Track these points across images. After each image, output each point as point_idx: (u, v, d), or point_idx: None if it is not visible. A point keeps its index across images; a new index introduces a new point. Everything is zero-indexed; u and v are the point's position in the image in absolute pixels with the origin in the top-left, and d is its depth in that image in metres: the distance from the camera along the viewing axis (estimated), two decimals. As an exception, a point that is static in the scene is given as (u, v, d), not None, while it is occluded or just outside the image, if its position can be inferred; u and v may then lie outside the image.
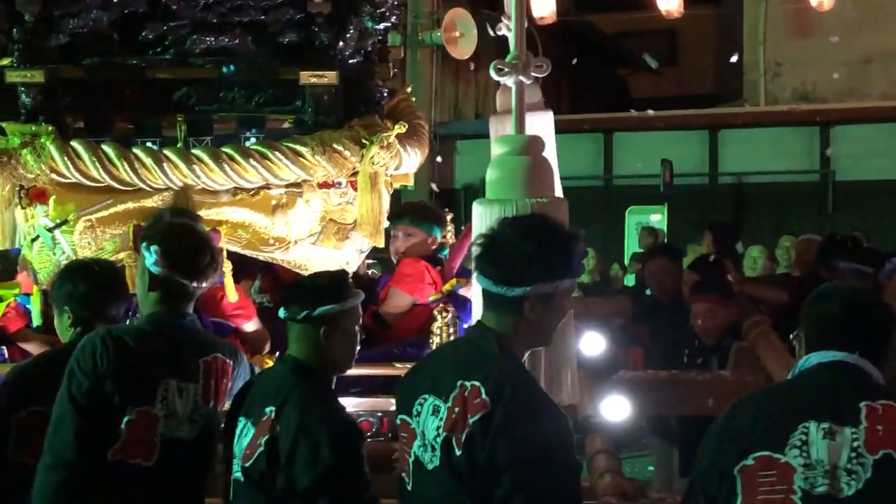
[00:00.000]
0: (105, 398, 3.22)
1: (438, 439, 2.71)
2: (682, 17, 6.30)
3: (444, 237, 5.27)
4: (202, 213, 4.43)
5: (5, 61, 4.58)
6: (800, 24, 16.70)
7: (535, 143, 3.76)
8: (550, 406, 2.76)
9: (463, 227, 5.15)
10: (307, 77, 4.54)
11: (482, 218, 3.64)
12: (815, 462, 2.62)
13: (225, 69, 4.58)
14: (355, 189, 4.57)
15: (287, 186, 4.55)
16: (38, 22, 4.50)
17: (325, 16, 4.55)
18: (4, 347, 4.69)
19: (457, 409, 2.68)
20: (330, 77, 4.53)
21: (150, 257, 3.36)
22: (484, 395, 2.66)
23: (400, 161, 4.69)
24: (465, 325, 4.69)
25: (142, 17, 4.57)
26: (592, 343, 5.61)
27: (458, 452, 2.66)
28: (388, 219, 4.89)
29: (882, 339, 2.81)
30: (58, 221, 4.50)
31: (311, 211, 4.58)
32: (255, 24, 4.59)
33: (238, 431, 3.25)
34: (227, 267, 4.36)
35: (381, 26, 4.78)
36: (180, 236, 3.47)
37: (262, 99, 4.64)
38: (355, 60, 4.70)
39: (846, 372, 2.74)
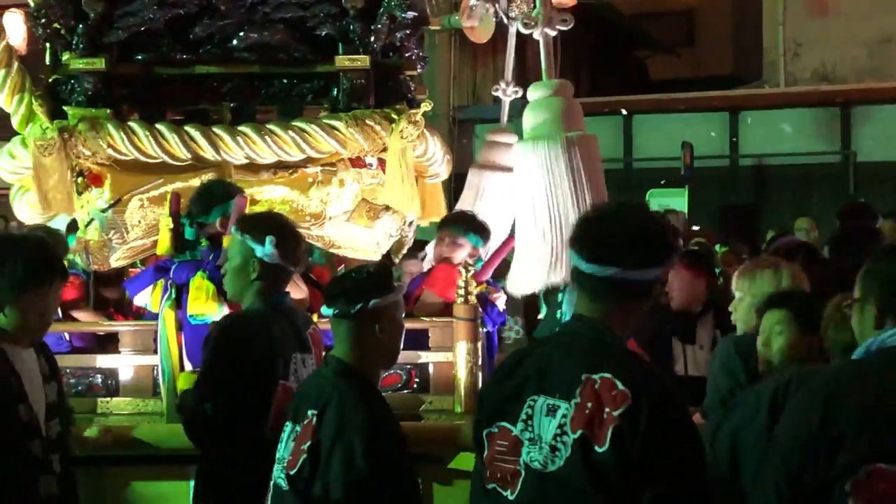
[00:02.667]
0: (265, 375, 3.52)
1: (566, 438, 2.50)
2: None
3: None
4: (246, 190, 4.73)
5: (66, 55, 4.98)
6: (819, 4, 16.67)
7: (566, 87, 4.18)
8: (675, 387, 2.64)
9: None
10: (342, 61, 4.92)
11: (524, 155, 3.99)
12: None
13: (267, 63, 4.95)
14: (385, 172, 4.95)
15: (323, 165, 4.92)
16: (100, 19, 4.90)
17: (359, 9, 4.92)
18: (66, 334, 4.98)
19: (590, 405, 2.49)
20: (363, 61, 4.91)
21: (266, 248, 3.60)
22: (621, 387, 2.48)
23: (426, 146, 5.04)
24: (487, 329, 5.05)
25: (192, 16, 4.97)
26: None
27: (600, 449, 2.46)
28: (439, 226, 5.29)
29: None
30: (111, 202, 4.88)
31: (345, 189, 4.94)
32: (295, 20, 4.97)
33: (284, 436, 3.16)
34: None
35: (410, 15, 5.08)
36: (290, 227, 3.77)
37: (301, 90, 5.02)
38: (387, 53, 5.06)
39: None
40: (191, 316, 4.20)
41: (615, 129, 16.40)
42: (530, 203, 4.29)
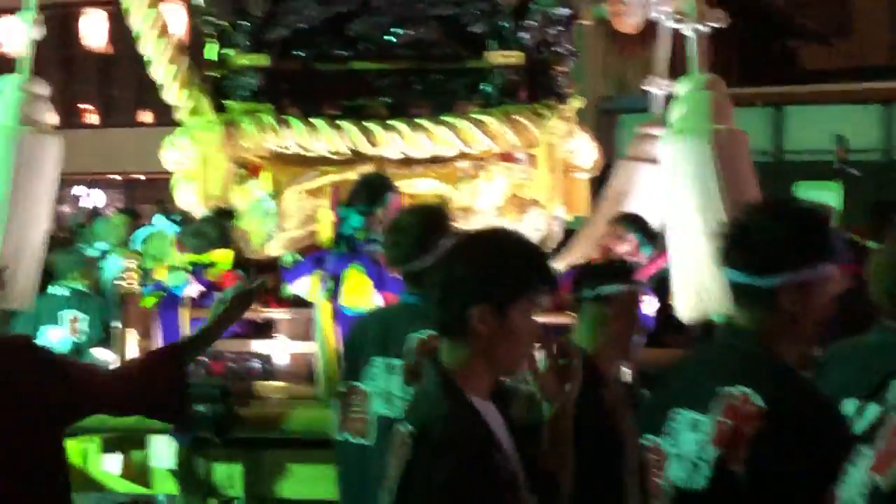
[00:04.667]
0: None
1: (706, 457, 2.36)
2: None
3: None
4: (396, 183, 4.80)
5: (230, 52, 5.18)
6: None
7: (717, 82, 4.14)
8: (831, 406, 2.40)
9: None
10: (495, 57, 4.99)
11: (670, 153, 3.96)
12: None
13: (421, 59, 5.06)
14: (535, 167, 4.99)
15: (473, 160, 5.00)
16: (264, 17, 5.10)
17: (511, 6, 4.99)
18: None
19: (728, 422, 2.33)
20: (516, 57, 4.98)
21: None
22: (760, 403, 2.31)
23: (575, 142, 5.05)
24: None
25: (350, 13, 5.12)
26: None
27: (737, 470, 2.30)
28: (616, 220, 5.29)
29: None
30: (270, 193, 5.07)
31: (494, 184, 5.02)
32: (449, 17, 5.07)
33: None
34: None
35: (562, 12, 5.12)
36: None
37: (454, 86, 5.13)
38: (539, 49, 5.11)
39: None
40: (345, 306, 4.32)
41: (765, 120, 16.06)
42: (681, 208, 4.21)
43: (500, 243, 2.34)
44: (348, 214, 4.49)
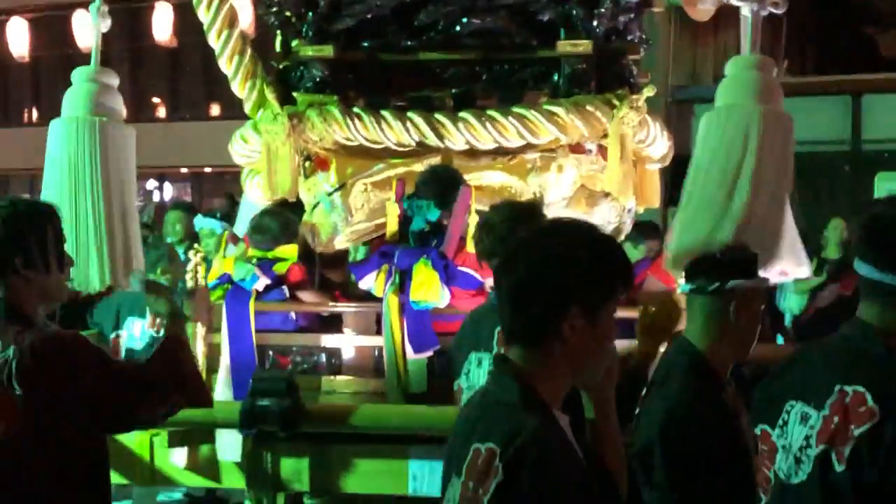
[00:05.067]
0: None
1: (809, 451, 2.35)
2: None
3: None
4: (464, 175, 4.80)
5: (296, 43, 5.15)
6: None
7: (768, 63, 4.00)
8: None
9: None
10: (564, 46, 4.90)
11: (708, 128, 3.82)
12: None
13: (489, 49, 4.98)
14: (605, 158, 4.89)
15: (542, 151, 4.90)
16: (329, 7, 5.06)
17: (581, -6, 4.88)
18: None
19: (836, 418, 2.30)
20: (585, 46, 4.88)
21: None
22: (870, 403, 2.27)
23: (647, 132, 4.94)
24: None
25: (417, 3, 5.06)
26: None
27: (838, 468, 2.28)
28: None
29: None
30: (336, 186, 5.03)
31: (564, 175, 4.91)
32: (518, 5, 4.98)
33: None
34: (474, 220, 4.60)
35: (633, 0, 5.01)
36: None
37: (522, 76, 5.04)
38: (609, 37, 4.99)
39: None
40: (414, 301, 4.27)
41: (843, 109, 15.71)
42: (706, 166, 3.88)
43: (582, 239, 2.10)
44: (422, 206, 4.43)
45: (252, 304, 4.52)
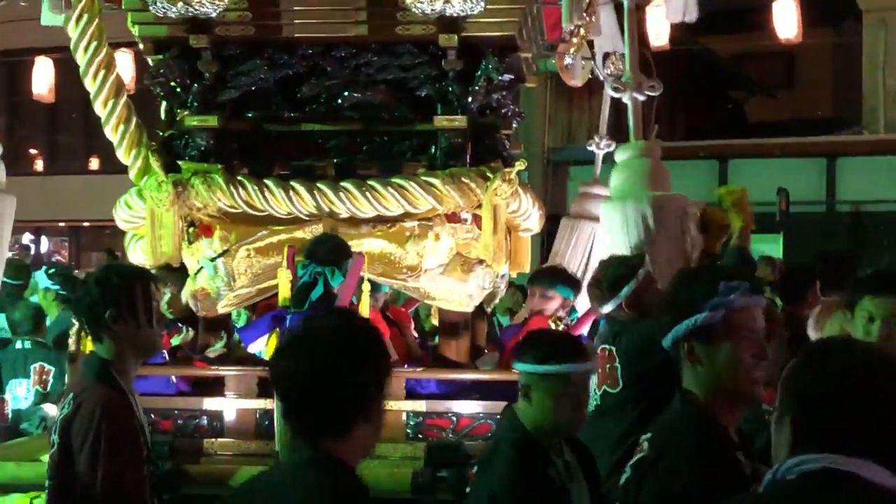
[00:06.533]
0: None
1: None
2: (800, 40, 6.53)
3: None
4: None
5: (181, 113, 5.26)
6: (922, 49, 16.43)
7: (654, 149, 4.32)
8: None
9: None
10: (440, 120, 5.12)
11: (610, 218, 4.13)
12: None
13: (369, 122, 5.17)
14: (480, 227, 5.11)
15: (420, 219, 5.07)
16: (214, 79, 5.19)
17: (457, 72, 5.11)
18: (173, 377, 5.13)
19: None
20: (460, 121, 5.10)
21: None
22: None
23: (520, 203, 5.18)
24: None
25: (300, 76, 5.22)
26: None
27: None
28: (529, 281, 5.45)
29: None
30: (220, 252, 5.12)
31: (441, 243, 5.09)
32: (397, 81, 5.19)
33: None
34: (367, 288, 4.90)
35: (507, 77, 5.24)
36: None
37: (401, 148, 5.22)
38: (484, 112, 5.24)
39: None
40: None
41: (710, 173, 16.28)
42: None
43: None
44: (323, 273, 4.56)
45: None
